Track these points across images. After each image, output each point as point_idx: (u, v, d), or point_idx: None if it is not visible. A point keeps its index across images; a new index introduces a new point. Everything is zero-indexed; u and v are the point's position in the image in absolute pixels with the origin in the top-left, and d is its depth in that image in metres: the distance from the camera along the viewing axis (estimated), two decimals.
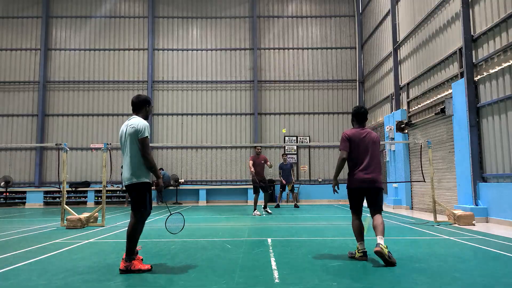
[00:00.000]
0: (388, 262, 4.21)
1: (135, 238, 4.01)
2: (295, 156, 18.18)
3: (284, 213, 11.59)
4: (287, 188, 14.35)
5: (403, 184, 13.03)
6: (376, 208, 4.68)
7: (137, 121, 4.14)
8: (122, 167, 4.33)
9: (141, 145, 4.05)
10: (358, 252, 4.61)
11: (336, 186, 4.91)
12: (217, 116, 18.46)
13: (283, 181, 13.85)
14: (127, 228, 4.06)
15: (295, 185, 14.78)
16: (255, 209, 10.90)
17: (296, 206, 13.93)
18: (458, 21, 9.92)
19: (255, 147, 11.33)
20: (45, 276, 3.88)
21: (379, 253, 4.22)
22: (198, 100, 18.55)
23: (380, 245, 4.25)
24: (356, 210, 4.79)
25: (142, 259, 4.17)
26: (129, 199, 4.53)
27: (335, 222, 8.86)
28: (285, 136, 18.36)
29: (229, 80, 18.62)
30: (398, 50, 14.04)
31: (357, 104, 18.40)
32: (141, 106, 4.30)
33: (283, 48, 18.86)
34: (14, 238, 6.60)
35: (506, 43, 8.16)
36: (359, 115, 4.88)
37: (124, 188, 4.37)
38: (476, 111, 9.14)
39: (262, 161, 11.01)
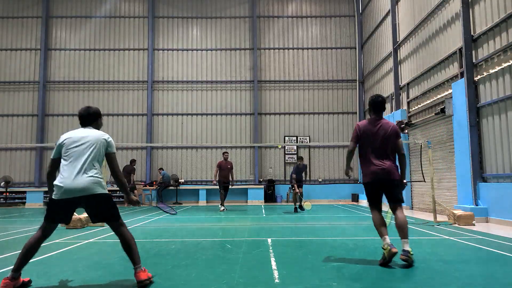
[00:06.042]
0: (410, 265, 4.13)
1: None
2: (295, 156, 18.16)
3: (284, 213, 11.59)
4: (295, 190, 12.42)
5: None
6: (394, 202, 4.43)
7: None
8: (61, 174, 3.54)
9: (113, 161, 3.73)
10: (385, 249, 4.14)
11: (349, 171, 4.64)
12: (217, 116, 18.46)
13: (293, 181, 12.39)
14: (125, 240, 3.59)
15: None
16: (221, 205, 12.29)
17: (301, 208, 12.33)
18: (458, 21, 9.92)
19: (223, 153, 12.62)
20: (45, 276, 3.88)
21: (405, 261, 4.09)
22: (198, 100, 18.55)
23: (408, 254, 4.09)
24: (374, 205, 4.51)
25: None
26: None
27: (335, 222, 8.86)
28: (285, 136, 18.36)
29: (229, 80, 18.62)
30: (398, 50, 14.04)
31: (357, 104, 18.44)
32: (94, 119, 3.84)
33: (283, 48, 18.87)
34: (14, 238, 6.59)
35: (506, 43, 8.16)
36: (376, 104, 4.62)
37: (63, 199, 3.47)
38: (476, 111, 9.14)
39: (229, 166, 12.26)
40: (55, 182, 3.49)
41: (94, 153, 3.58)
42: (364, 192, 4.64)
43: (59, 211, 3.51)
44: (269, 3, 19.21)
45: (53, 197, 3.49)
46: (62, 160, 3.58)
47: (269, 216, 10.47)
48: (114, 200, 3.67)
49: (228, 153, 12.70)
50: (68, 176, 3.45)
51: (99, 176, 3.57)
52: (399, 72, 13.97)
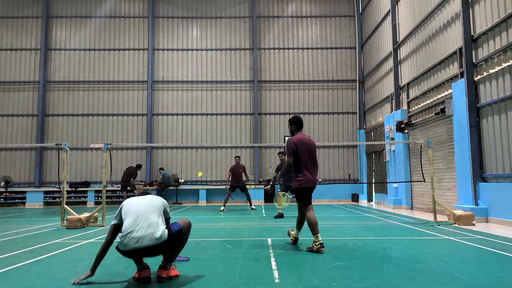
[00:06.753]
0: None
1: None
2: None
3: (284, 213, 11.57)
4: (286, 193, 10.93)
5: (403, 184, 13.03)
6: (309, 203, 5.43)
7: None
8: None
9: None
10: (316, 245, 5.06)
11: (272, 187, 5.52)
12: (217, 116, 18.46)
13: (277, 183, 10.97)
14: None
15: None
16: (223, 206, 12.60)
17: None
18: (458, 21, 9.92)
19: (235, 157, 13.22)
20: (45, 276, 3.88)
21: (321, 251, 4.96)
22: (198, 100, 18.55)
23: (323, 244, 5.02)
24: (311, 206, 5.40)
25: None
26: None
27: (335, 222, 8.85)
28: (285, 136, 18.36)
29: (229, 80, 18.62)
30: (398, 50, 14.04)
31: (357, 104, 18.43)
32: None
33: (283, 48, 18.87)
34: (14, 238, 6.59)
35: (506, 43, 8.16)
36: (299, 123, 5.57)
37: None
38: (476, 111, 9.13)
39: (241, 170, 12.75)
40: (121, 235, 3.55)
41: (158, 212, 3.70)
42: (299, 195, 5.39)
43: (130, 257, 3.67)
44: (269, 3, 19.21)
45: (120, 249, 3.58)
46: (125, 220, 3.62)
47: (269, 216, 10.47)
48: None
49: (239, 157, 13.25)
50: (136, 230, 3.52)
51: (163, 228, 3.62)
52: (399, 72, 13.97)
